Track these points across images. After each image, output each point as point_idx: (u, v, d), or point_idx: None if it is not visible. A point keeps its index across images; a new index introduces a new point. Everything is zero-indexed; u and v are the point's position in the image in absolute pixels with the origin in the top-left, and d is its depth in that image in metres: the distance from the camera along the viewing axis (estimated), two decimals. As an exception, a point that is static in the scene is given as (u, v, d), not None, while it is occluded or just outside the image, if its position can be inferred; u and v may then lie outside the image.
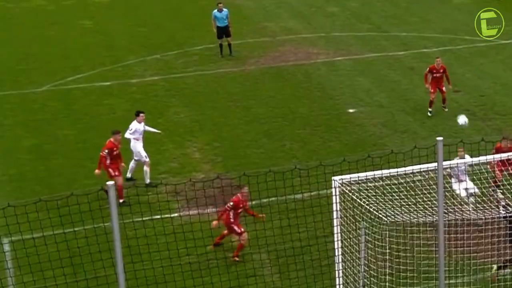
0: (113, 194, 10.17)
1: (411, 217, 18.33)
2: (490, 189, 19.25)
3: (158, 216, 20.32)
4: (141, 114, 24.65)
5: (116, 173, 22.82)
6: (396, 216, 18.22)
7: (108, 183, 10.23)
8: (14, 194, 23.58)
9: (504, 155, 19.48)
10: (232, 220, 19.93)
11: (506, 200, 18.36)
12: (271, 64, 35.60)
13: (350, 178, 15.76)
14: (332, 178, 15.83)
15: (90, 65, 36.12)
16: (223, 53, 36.62)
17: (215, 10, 36.66)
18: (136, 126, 24.43)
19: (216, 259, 17.51)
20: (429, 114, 28.82)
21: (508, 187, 18.08)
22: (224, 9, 36.64)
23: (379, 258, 17.04)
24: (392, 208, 17.64)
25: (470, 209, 18.74)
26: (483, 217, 18.43)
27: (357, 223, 16.53)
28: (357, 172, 15.64)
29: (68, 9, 47.09)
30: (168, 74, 34.73)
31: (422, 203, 18.62)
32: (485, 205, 18.11)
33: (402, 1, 46.34)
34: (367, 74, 33.81)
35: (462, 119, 24.78)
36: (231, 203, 19.84)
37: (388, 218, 16.90)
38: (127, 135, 24.27)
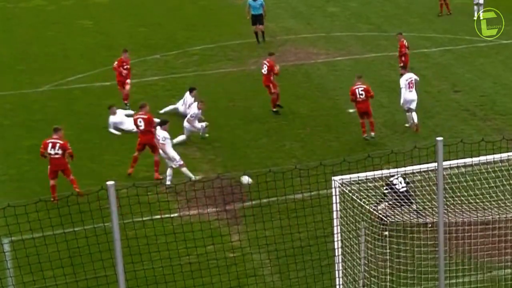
0: (113, 194, 10.17)
1: (411, 217, 18.36)
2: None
3: (158, 216, 20.33)
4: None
5: None
6: (396, 216, 18.24)
7: (107, 183, 10.23)
8: (14, 194, 23.55)
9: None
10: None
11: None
12: (271, 64, 35.56)
13: (350, 178, 15.74)
14: (332, 178, 15.81)
15: (90, 65, 36.13)
16: (259, 40, 38.68)
17: None
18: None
19: (216, 259, 17.48)
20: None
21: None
22: None
23: (379, 258, 17.04)
24: (392, 208, 17.66)
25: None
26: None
27: (357, 223, 16.53)
28: (357, 172, 15.63)
29: (68, 9, 47.15)
30: (168, 74, 34.73)
31: (422, 203, 18.64)
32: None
33: (402, 1, 46.36)
34: (367, 74, 33.75)
35: (245, 179, 23.15)
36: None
37: (388, 218, 16.91)
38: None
